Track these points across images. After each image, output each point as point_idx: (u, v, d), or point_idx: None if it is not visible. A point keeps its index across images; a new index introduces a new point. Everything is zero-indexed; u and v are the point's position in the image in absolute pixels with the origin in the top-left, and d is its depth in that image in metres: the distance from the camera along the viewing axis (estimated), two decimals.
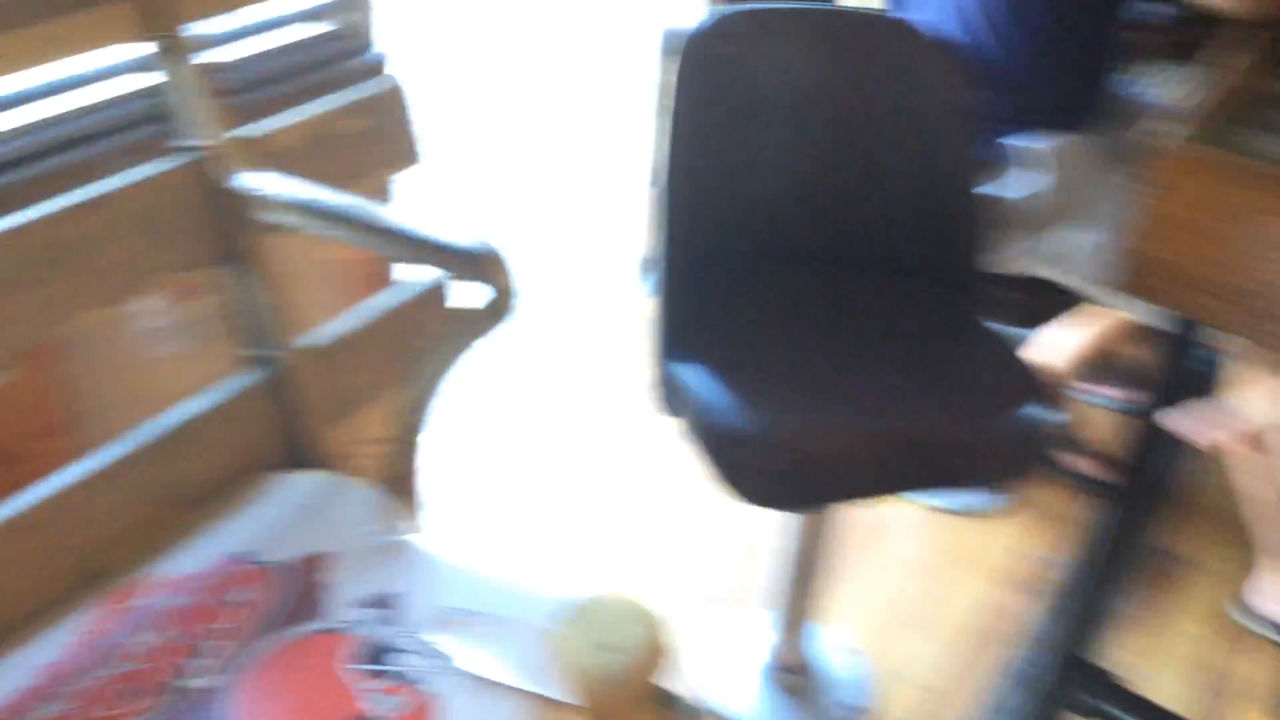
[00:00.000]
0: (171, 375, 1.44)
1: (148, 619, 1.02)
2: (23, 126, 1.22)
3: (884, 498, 1.53)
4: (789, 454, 1.38)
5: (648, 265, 2.70)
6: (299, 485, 1.18)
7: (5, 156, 1.21)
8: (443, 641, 1.01)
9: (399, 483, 1.19)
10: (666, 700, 1.07)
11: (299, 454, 1.23)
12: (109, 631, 1.01)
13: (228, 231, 1.16)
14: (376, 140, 1.35)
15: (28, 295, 1.03)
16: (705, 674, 1.77)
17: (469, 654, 1.00)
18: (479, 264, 1.05)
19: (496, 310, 1.06)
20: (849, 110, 1.58)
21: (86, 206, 1.07)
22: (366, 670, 0.98)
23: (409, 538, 1.13)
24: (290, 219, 1.13)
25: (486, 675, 0.97)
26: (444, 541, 1.14)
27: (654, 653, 1.04)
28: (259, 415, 1.21)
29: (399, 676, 0.97)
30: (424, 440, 1.18)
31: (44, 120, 1.23)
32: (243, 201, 1.15)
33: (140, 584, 1.06)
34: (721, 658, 1.80)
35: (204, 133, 1.14)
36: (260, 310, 1.19)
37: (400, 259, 1.10)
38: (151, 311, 1.39)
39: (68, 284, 1.06)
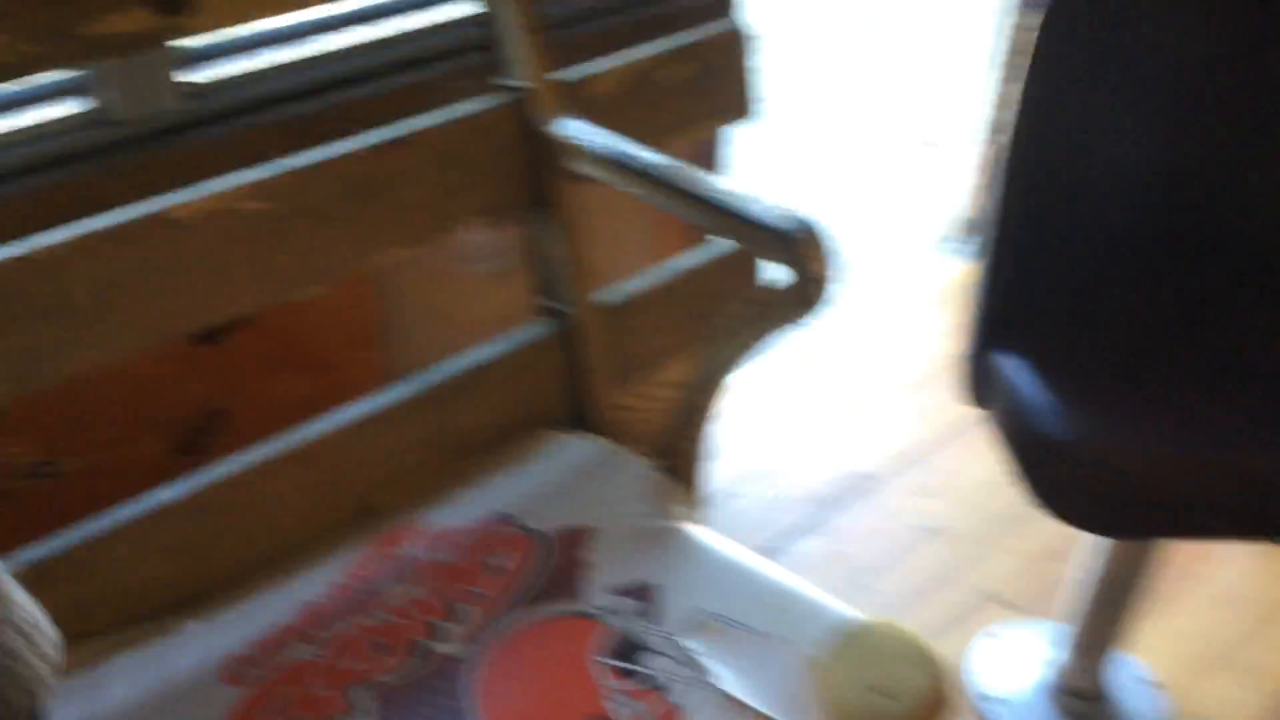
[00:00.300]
0: (476, 302, 1.43)
1: (409, 570, 1.01)
2: (344, 50, 1.21)
3: (1227, 541, 1.35)
4: (1118, 476, 1.23)
5: (972, 227, 2.52)
6: (575, 449, 1.14)
7: (326, 79, 1.20)
8: (698, 648, 0.94)
9: (678, 462, 1.12)
10: None
11: (580, 416, 1.19)
12: (371, 577, 1.01)
13: (536, 178, 1.11)
14: (708, 90, 1.27)
15: (334, 229, 1.02)
16: (984, 685, 1.64)
17: (723, 668, 0.93)
18: (791, 246, 0.96)
19: (806, 297, 0.97)
20: (1251, 96, 1.36)
21: (399, 142, 1.04)
22: (615, 666, 0.93)
23: (680, 525, 1.07)
24: (599, 172, 1.07)
25: (738, 696, 0.90)
26: (716, 536, 1.07)
27: (932, 705, 0.94)
28: (544, 370, 1.17)
29: (647, 680, 0.92)
30: (711, 421, 1.11)
31: (371, 43, 1.22)
32: (555, 149, 1.09)
33: (407, 531, 1.05)
34: (1004, 669, 1.67)
35: (524, 73, 1.09)
36: (558, 261, 1.14)
37: (708, 230, 1.02)
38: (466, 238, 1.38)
39: (375, 220, 1.04)
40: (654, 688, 0.91)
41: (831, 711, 0.90)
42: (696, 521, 1.09)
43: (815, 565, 1.82)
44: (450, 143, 1.07)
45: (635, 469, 1.12)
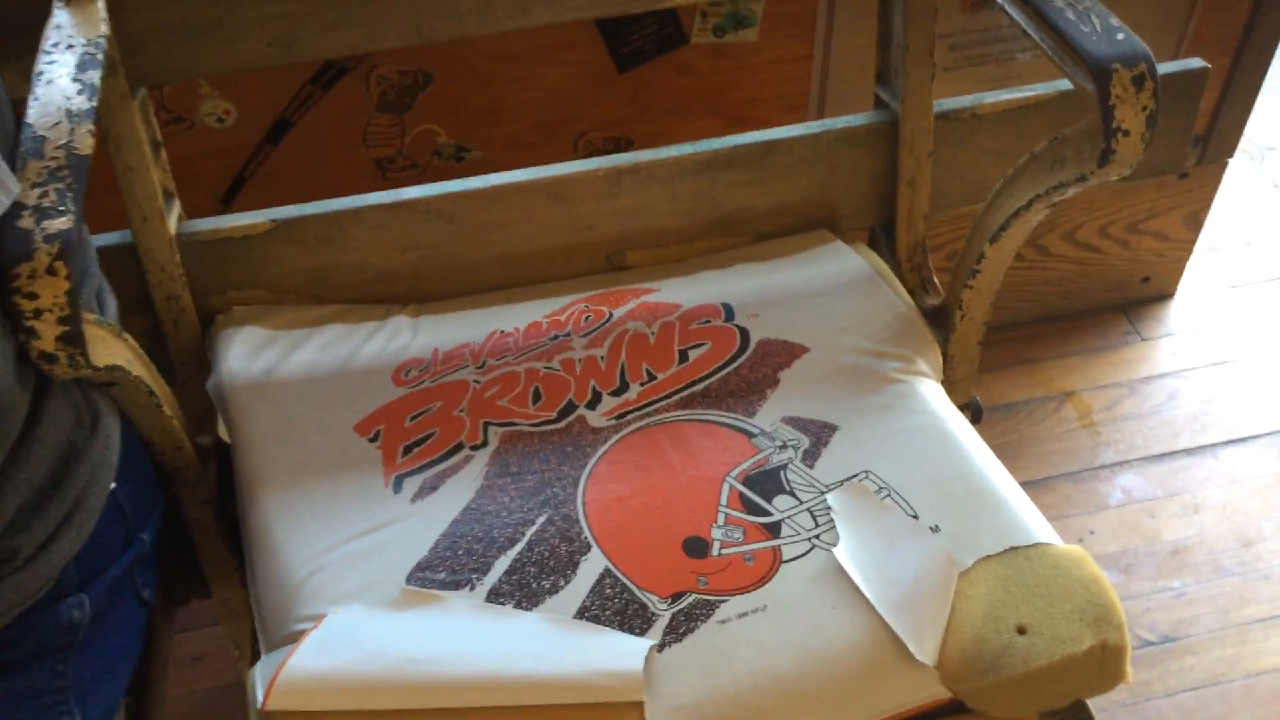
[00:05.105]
0: None
1: (604, 332, 0.97)
2: None
3: None
4: None
5: None
6: (841, 261, 1.02)
7: None
8: (839, 509, 0.82)
9: (945, 311, 0.96)
10: None
11: (871, 227, 1.04)
12: (565, 327, 0.98)
13: None
14: None
15: None
16: None
17: (853, 540, 0.80)
18: (1100, 79, 0.75)
19: (1105, 148, 0.76)
20: None
21: None
22: (746, 496, 0.84)
23: (911, 380, 0.92)
24: None
25: (852, 575, 0.78)
26: (947, 405, 0.91)
27: (1090, 675, 0.77)
28: (846, 165, 1.03)
29: (766, 522, 0.82)
30: (992, 277, 0.93)
31: None
32: None
33: (629, 294, 1.00)
34: None
35: None
36: (898, 45, 0.98)
37: (1045, 48, 0.82)
38: None
39: None
40: (768, 529, 0.82)
41: (955, 638, 0.76)
42: (933, 381, 0.93)
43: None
44: None
45: (893, 303, 0.98)
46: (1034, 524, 0.82)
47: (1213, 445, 1.59)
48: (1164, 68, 0.99)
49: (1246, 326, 1.75)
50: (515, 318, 0.99)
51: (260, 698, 0.72)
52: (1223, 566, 1.44)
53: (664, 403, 0.92)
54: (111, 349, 0.73)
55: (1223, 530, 1.48)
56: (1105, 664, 0.77)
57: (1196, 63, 1.03)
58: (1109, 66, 0.75)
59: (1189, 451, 1.57)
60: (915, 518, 0.82)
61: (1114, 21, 0.78)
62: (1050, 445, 1.59)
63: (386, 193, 0.99)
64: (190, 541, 0.92)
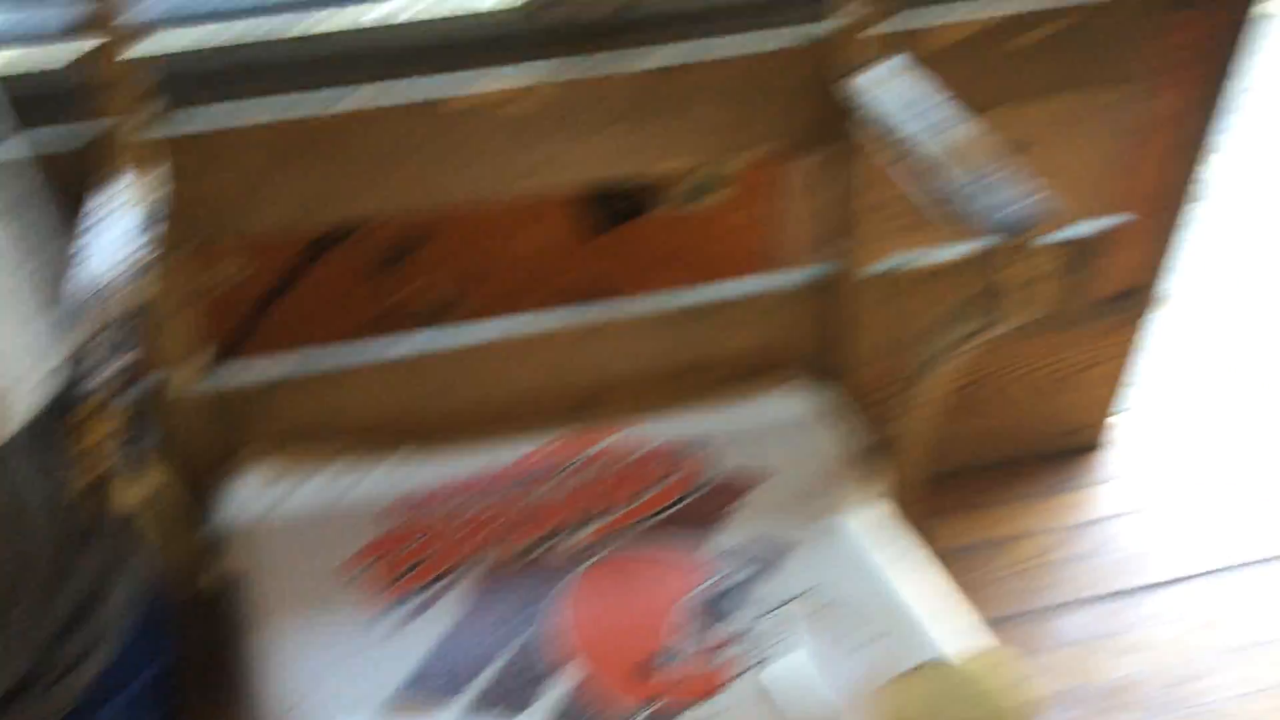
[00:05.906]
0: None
1: (575, 470, 1.08)
2: None
3: None
4: None
5: None
6: (799, 398, 1.13)
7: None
8: (786, 626, 0.92)
9: (888, 444, 1.07)
10: None
11: (823, 370, 1.16)
12: (542, 466, 1.08)
13: (824, 124, 1.07)
14: (1085, 56, 1.14)
15: (623, 128, 1.06)
16: None
17: (788, 661, 0.90)
18: (988, 248, 0.86)
19: (991, 306, 0.88)
20: None
21: (681, 66, 1.04)
22: (705, 613, 0.94)
23: (860, 501, 1.03)
24: (888, 139, 1.01)
25: (776, 698, 0.88)
26: (891, 524, 1.01)
27: None
28: (795, 316, 1.15)
29: (724, 636, 0.92)
30: (925, 415, 1.04)
31: None
32: (852, 100, 1.04)
33: (602, 433, 1.11)
34: None
35: (834, 16, 1.04)
36: (834, 215, 1.11)
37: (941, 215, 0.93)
38: None
39: (662, 130, 1.06)
40: (725, 643, 0.91)
41: None
42: (880, 504, 1.04)
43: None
44: (736, 72, 1.05)
45: (844, 437, 1.10)
46: (953, 638, 0.92)
47: (1150, 586, 1.63)
48: (1078, 228, 1.11)
49: (1178, 472, 1.80)
50: (499, 457, 1.09)
51: None
52: (1165, 703, 1.48)
53: (633, 530, 1.02)
54: (142, 486, 0.82)
55: (1162, 667, 1.52)
56: None
57: (1109, 221, 1.15)
58: (994, 235, 0.86)
59: (1128, 592, 1.62)
60: (855, 631, 0.91)
61: (1010, 193, 0.88)
62: (992, 589, 1.63)
63: (383, 344, 1.10)
64: (190, 675, 0.99)
